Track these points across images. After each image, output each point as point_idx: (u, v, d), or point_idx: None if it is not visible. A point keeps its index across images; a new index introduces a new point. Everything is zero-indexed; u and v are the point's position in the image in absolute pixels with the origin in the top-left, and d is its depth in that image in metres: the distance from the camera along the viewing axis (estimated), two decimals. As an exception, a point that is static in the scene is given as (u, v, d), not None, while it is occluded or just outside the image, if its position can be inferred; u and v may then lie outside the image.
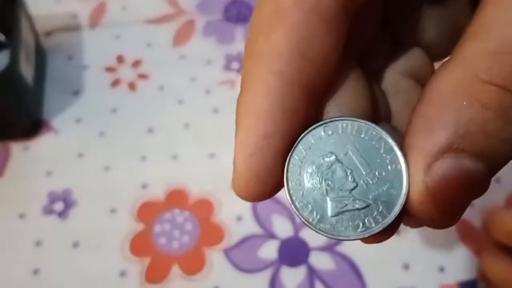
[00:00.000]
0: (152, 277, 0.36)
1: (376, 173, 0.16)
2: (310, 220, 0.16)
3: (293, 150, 0.16)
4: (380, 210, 0.15)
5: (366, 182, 0.16)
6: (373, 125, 0.16)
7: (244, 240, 0.37)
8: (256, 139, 0.15)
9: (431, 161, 0.14)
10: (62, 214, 0.38)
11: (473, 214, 0.38)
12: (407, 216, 0.16)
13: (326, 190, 0.16)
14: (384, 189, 0.15)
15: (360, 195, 0.16)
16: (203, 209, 0.38)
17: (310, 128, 0.16)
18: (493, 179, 0.42)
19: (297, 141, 0.16)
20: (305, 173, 0.16)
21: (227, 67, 0.45)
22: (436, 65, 0.17)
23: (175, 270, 0.36)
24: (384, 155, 0.16)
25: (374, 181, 0.16)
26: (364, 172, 0.16)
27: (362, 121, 0.16)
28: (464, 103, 0.14)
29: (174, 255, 0.37)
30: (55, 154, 0.41)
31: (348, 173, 0.16)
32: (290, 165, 0.16)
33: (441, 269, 0.36)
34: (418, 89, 0.19)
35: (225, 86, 0.44)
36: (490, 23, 0.14)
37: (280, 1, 0.15)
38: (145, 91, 0.44)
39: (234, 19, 0.48)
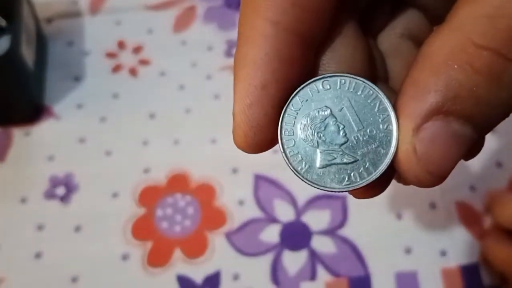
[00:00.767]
0: (154, 260, 0.36)
1: (368, 131, 0.16)
2: (299, 169, 0.16)
3: (290, 100, 0.16)
4: (366, 166, 0.16)
5: (356, 138, 0.16)
6: (371, 84, 0.16)
7: (246, 224, 0.37)
8: (253, 89, 0.15)
9: (420, 123, 0.15)
10: (64, 199, 0.38)
11: (475, 198, 0.38)
12: (397, 175, 0.16)
13: (317, 143, 0.16)
14: (373, 147, 0.16)
15: (349, 150, 0.16)
16: (204, 193, 0.38)
17: (309, 81, 0.16)
18: (495, 163, 0.42)
19: (294, 93, 0.16)
20: (299, 124, 0.16)
21: (228, 53, 0.45)
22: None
23: (177, 254, 0.36)
24: (377, 114, 0.16)
25: (364, 138, 0.16)
26: (356, 129, 0.16)
27: (361, 79, 0.16)
28: (456, 66, 0.14)
29: (176, 239, 0.37)
30: (57, 139, 0.41)
31: (341, 128, 0.16)
32: (286, 115, 0.16)
33: (443, 253, 0.36)
34: (416, 52, 0.19)
35: (226, 72, 0.44)
36: None
37: None
38: (146, 77, 0.44)
39: (235, 5, 0.48)
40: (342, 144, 0.16)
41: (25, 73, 0.39)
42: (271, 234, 0.37)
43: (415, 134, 0.15)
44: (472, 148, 0.15)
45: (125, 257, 0.36)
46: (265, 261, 0.36)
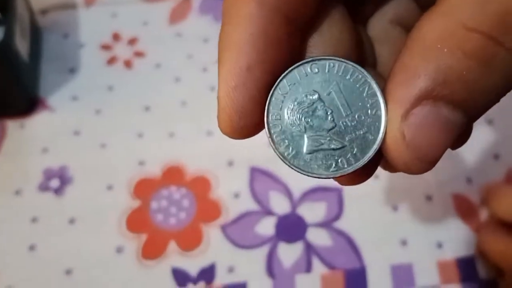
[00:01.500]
0: (149, 253, 0.36)
1: (356, 116, 0.16)
2: (285, 154, 0.16)
3: (277, 84, 0.16)
4: (354, 152, 0.16)
5: (344, 124, 0.16)
6: (360, 68, 0.16)
7: (241, 217, 0.37)
8: (239, 70, 0.15)
9: (409, 108, 0.14)
10: (58, 191, 0.38)
11: (471, 190, 0.38)
12: (384, 162, 0.16)
13: (305, 128, 0.16)
14: (361, 132, 0.16)
15: (337, 135, 0.16)
16: (200, 185, 0.38)
17: (296, 64, 0.16)
18: (492, 155, 0.42)
19: (282, 76, 0.16)
20: (286, 108, 0.16)
21: (224, 45, 0.44)
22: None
23: (172, 246, 0.36)
24: (366, 99, 0.16)
25: (352, 123, 0.16)
26: (344, 114, 0.16)
27: (350, 62, 0.16)
28: (445, 50, 0.14)
29: (171, 231, 0.37)
30: (51, 131, 0.40)
31: (329, 113, 0.16)
32: (273, 98, 0.16)
33: (439, 245, 0.36)
34: (406, 38, 0.19)
35: (222, 64, 0.43)
36: None
37: None
38: (142, 69, 0.43)
39: (232, -3, 0.47)
40: (330, 130, 0.16)
41: (19, 65, 0.39)
42: (267, 227, 0.37)
43: (404, 119, 0.14)
44: (461, 135, 0.15)
45: (119, 250, 0.36)
46: (261, 253, 0.36)
